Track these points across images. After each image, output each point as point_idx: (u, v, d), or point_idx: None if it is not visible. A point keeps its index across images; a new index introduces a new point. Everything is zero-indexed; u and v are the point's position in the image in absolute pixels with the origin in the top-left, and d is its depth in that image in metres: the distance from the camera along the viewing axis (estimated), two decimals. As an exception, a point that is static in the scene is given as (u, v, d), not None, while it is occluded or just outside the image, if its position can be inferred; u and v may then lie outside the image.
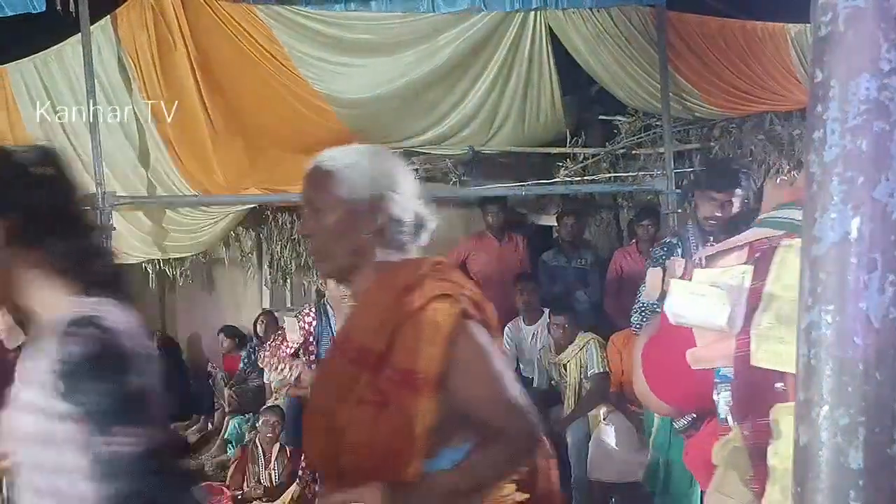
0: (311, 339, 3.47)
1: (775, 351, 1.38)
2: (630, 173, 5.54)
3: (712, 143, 5.30)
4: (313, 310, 3.55)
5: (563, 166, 5.59)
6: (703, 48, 5.06)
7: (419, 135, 5.44)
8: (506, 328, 5.13)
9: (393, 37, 4.96)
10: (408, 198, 1.45)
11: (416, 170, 5.58)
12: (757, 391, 1.41)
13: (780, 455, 1.35)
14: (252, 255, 6.18)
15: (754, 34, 5.03)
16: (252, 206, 5.48)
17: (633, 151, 5.54)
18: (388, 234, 1.40)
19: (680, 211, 5.20)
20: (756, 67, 5.02)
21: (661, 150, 5.23)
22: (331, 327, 3.52)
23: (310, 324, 3.48)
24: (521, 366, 5.14)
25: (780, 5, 4.66)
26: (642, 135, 5.48)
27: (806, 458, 0.45)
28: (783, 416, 1.27)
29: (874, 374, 0.41)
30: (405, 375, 1.27)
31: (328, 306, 3.55)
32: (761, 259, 1.46)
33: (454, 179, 5.59)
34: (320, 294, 3.69)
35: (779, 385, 1.35)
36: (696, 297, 1.48)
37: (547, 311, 4.98)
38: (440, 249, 5.95)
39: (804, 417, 0.45)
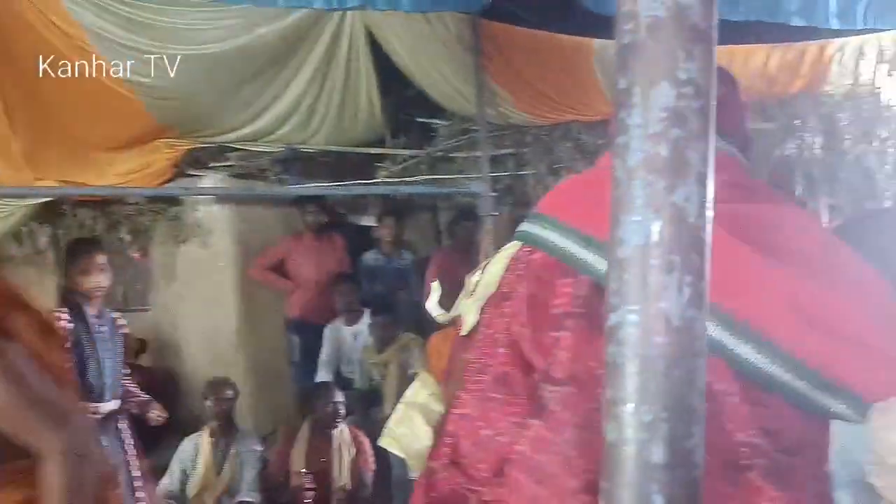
0: (69, 341, 3.21)
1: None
2: (448, 176, 5.65)
3: (525, 150, 5.54)
4: (66, 310, 3.30)
5: (382, 167, 5.60)
6: (515, 57, 5.27)
7: (235, 130, 5.25)
8: (325, 329, 5.08)
9: (208, 27, 4.72)
10: None
11: (232, 166, 5.41)
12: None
13: None
14: (47, 252, 5.67)
15: (561, 46, 5.31)
16: (47, 199, 5.04)
17: (451, 154, 5.66)
18: None
19: (496, 214, 5.39)
20: (563, 78, 5.31)
21: (478, 153, 5.39)
22: (88, 327, 3.33)
23: (64, 326, 3.21)
24: (343, 366, 5.11)
25: (585, 21, 4.95)
26: (460, 138, 5.61)
27: (613, 454, 0.45)
28: None
29: (674, 372, 0.42)
30: None
31: (84, 306, 3.34)
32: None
33: (272, 177, 5.44)
34: (72, 292, 3.40)
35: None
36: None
37: (367, 311, 4.97)
38: (257, 249, 5.77)
39: (611, 415, 0.46)
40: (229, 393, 4.17)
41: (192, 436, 4.21)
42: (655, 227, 0.42)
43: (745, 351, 1.06)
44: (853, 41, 5.54)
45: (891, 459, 0.97)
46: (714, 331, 1.06)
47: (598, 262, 1.17)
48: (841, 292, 1.10)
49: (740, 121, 1.38)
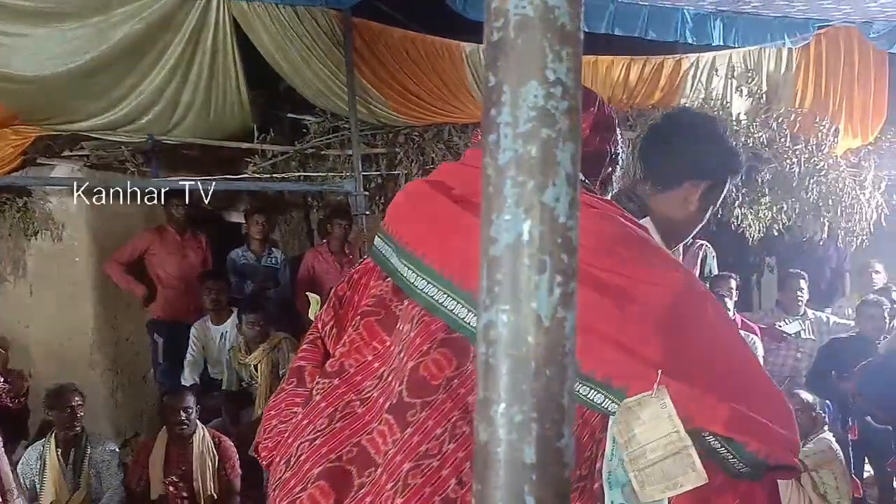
0: None
1: None
2: (319, 173, 5.57)
3: (397, 149, 5.55)
4: None
5: (251, 162, 5.44)
6: (387, 56, 5.26)
7: (92, 118, 4.94)
8: (192, 328, 4.87)
9: (60, 6, 4.40)
10: None
11: (88, 156, 5.08)
12: None
13: None
14: None
15: (433, 48, 5.35)
16: None
17: (323, 152, 5.58)
18: None
19: (368, 213, 5.36)
20: (435, 80, 5.35)
21: (350, 152, 5.34)
22: None
23: None
24: (210, 367, 4.92)
25: (456, 24, 5.02)
26: (331, 136, 5.54)
27: (486, 455, 0.45)
28: None
29: (545, 371, 0.42)
30: None
31: None
32: None
33: (132, 169, 5.16)
34: None
35: None
36: None
37: (236, 310, 4.81)
38: (116, 243, 5.44)
39: (483, 416, 0.45)
40: (76, 400, 3.85)
41: (36, 444, 3.86)
42: (526, 227, 0.42)
43: None
44: (706, 57, 5.92)
45: (632, 451, 1.01)
46: None
47: (406, 271, 1.21)
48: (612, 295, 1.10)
49: (586, 141, 1.34)
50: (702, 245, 5.47)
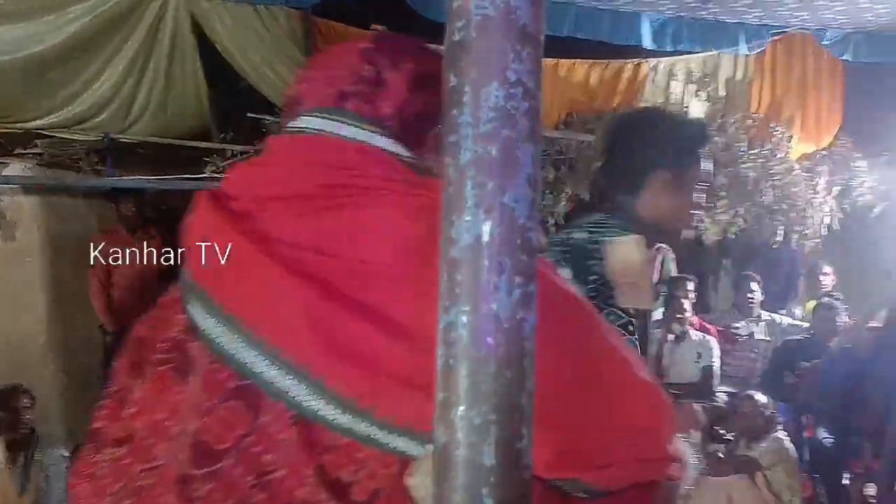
0: None
1: None
2: (280, 172, 5.50)
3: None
4: None
5: (210, 162, 5.36)
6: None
7: (45, 116, 4.81)
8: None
9: (14, 2, 4.30)
10: None
11: (41, 154, 4.96)
12: None
13: None
14: None
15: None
16: None
17: (283, 151, 5.51)
18: None
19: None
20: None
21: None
22: None
23: None
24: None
25: (420, 24, 5.01)
26: (293, 135, 5.47)
27: (444, 458, 0.45)
28: None
29: (504, 373, 0.42)
30: None
31: None
32: None
33: (87, 168, 5.04)
34: None
35: None
36: None
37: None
38: (69, 242, 5.31)
39: (443, 418, 0.45)
40: (24, 401, 3.75)
41: (-19, 448, 3.72)
42: (486, 228, 0.42)
43: (297, 389, 0.86)
44: (665, 62, 6.01)
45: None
46: (264, 366, 0.87)
47: (194, 305, 0.94)
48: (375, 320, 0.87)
49: (404, 105, 1.00)
50: (661, 248, 5.54)
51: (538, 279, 0.50)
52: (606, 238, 1.76)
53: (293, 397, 0.86)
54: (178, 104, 5.02)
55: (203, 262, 0.95)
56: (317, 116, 0.98)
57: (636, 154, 1.87)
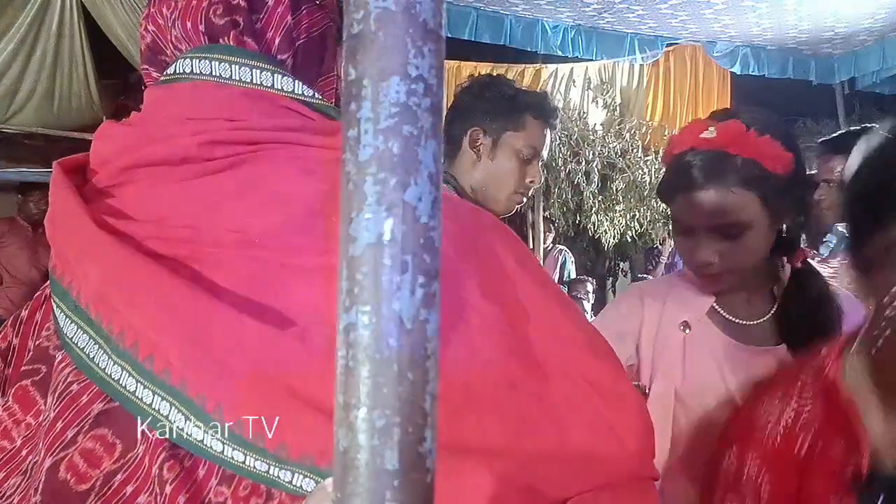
0: None
1: None
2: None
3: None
4: None
5: (101, 157, 5.12)
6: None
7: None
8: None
9: None
10: None
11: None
12: None
13: None
14: None
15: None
16: None
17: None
18: None
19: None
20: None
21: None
22: None
23: None
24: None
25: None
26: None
27: (345, 462, 0.43)
28: None
29: (407, 375, 0.41)
30: None
31: None
32: None
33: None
34: None
35: None
36: None
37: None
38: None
39: (343, 421, 0.44)
40: None
41: None
42: (388, 226, 0.41)
43: (174, 413, 0.67)
44: (564, 68, 6.16)
45: None
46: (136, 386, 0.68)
47: (58, 305, 0.74)
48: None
49: (293, 30, 0.80)
50: (561, 250, 5.68)
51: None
52: None
53: (171, 423, 0.66)
54: (65, 94, 4.78)
55: (57, 246, 0.75)
56: (189, 58, 0.77)
57: (454, 112, 1.81)
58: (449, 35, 5.39)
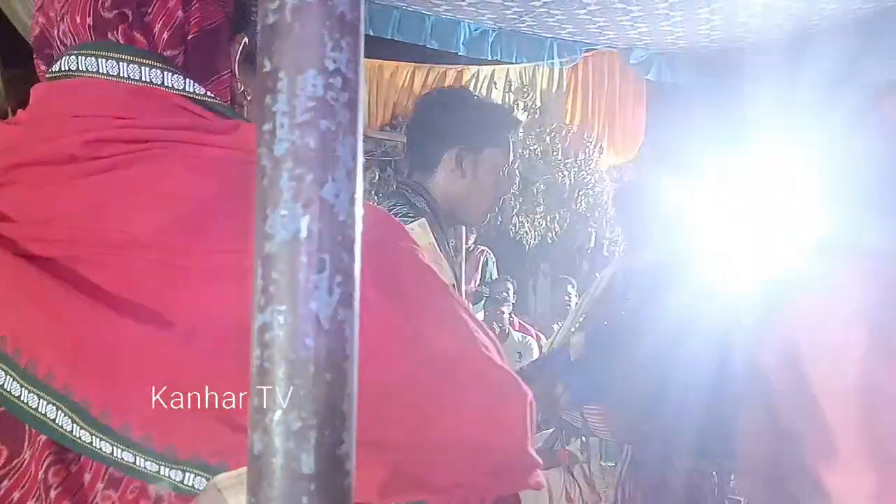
0: None
1: None
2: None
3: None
4: None
5: (4, 155, 4.88)
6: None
7: None
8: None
9: None
10: None
11: None
12: None
13: None
14: None
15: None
16: None
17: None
18: None
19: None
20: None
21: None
22: None
23: None
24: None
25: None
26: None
27: (260, 466, 0.42)
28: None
29: (324, 376, 0.40)
30: None
31: None
32: None
33: None
34: None
35: None
36: None
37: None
38: None
39: (258, 424, 0.42)
40: None
41: None
42: (304, 223, 0.40)
43: (60, 416, 0.65)
44: (486, 70, 6.22)
45: None
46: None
47: None
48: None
49: (183, 26, 0.77)
50: (483, 251, 5.73)
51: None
52: None
53: (52, 422, 0.65)
54: (-36, 90, 4.53)
55: None
56: (76, 54, 0.75)
57: (431, 131, 1.85)
58: (371, 33, 5.36)
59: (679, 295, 2.18)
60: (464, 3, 5.48)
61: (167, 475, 0.65)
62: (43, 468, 0.66)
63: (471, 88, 6.16)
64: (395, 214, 1.70)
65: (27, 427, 0.67)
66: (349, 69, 0.44)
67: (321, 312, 0.45)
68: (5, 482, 0.68)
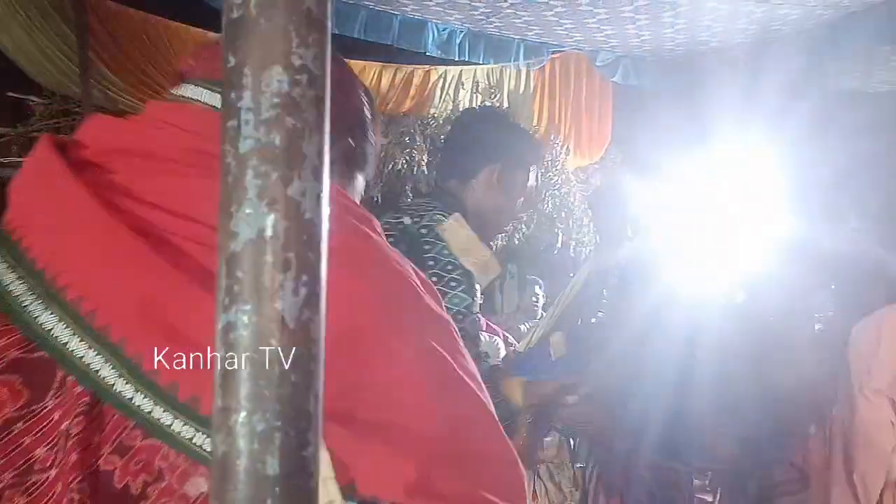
0: None
1: None
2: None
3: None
4: None
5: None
6: (126, 39, 4.90)
7: None
8: None
9: None
10: None
11: None
12: None
13: None
14: None
15: (177, 34, 5.08)
16: None
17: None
18: None
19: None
20: (177, 66, 5.05)
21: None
22: None
23: None
24: None
25: (201, 12, 4.79)
26: (61, 119, 5.02)
27: (224, 468, 0.41)
28: None
29: (290, 377, 0.40)
30: None
31: None
32: None
33: None
34: None
35: None
36: None
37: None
38: None
39: (222, 426, 0.42)
40: None
41: None
42: (270, 222, 0.39)
43: (104, 366, 0.69)
44: (453, 71, 6.22)
45: None
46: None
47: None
48: None
49: None
50: (450, 250, 5.72)
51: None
52: (431, 222, 1.78)
53: (94, 373, 0.68)
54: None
55: (21, 205, 0.79)
56: (196, 85, 0.89)
57: (476, 143, 1.94)
58: (337, 32, 5.32)
59: (652, 294, 2.22)
60: (431, 3, 5.48)
61: (200, 444, 0.68)
62: (70, 418, 0.69)
63: (438, 89, 6.16)
64: (429, 212, 1.78)
65: (59, 377, 0.70)
66: (316, 66, 0.44)
67: (287, 312, 0.44)
68: (19, 424, 0.70)
